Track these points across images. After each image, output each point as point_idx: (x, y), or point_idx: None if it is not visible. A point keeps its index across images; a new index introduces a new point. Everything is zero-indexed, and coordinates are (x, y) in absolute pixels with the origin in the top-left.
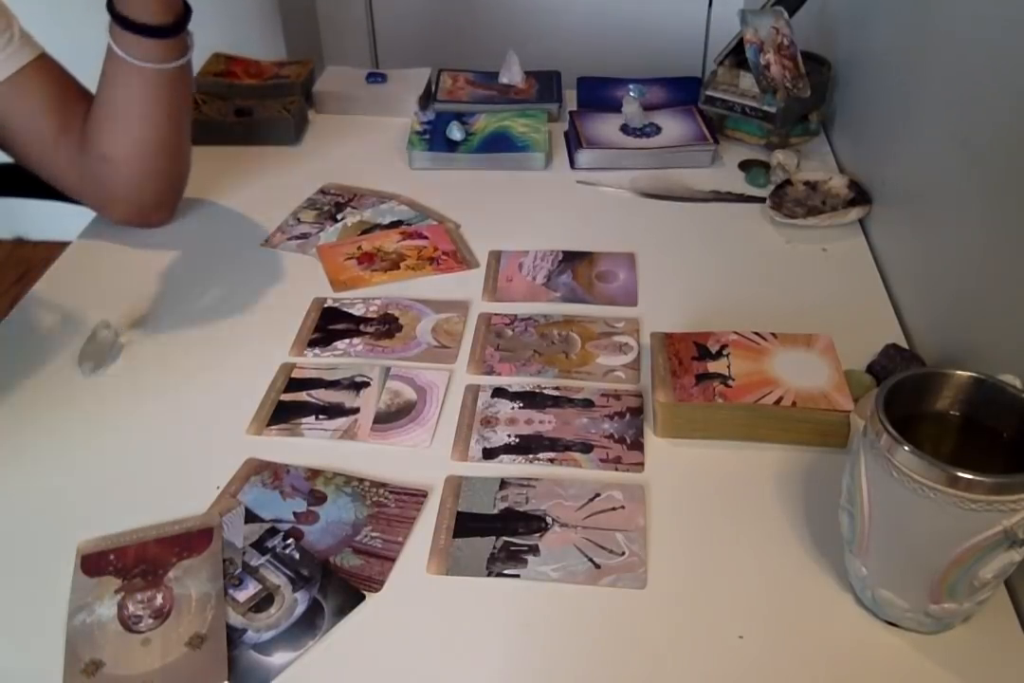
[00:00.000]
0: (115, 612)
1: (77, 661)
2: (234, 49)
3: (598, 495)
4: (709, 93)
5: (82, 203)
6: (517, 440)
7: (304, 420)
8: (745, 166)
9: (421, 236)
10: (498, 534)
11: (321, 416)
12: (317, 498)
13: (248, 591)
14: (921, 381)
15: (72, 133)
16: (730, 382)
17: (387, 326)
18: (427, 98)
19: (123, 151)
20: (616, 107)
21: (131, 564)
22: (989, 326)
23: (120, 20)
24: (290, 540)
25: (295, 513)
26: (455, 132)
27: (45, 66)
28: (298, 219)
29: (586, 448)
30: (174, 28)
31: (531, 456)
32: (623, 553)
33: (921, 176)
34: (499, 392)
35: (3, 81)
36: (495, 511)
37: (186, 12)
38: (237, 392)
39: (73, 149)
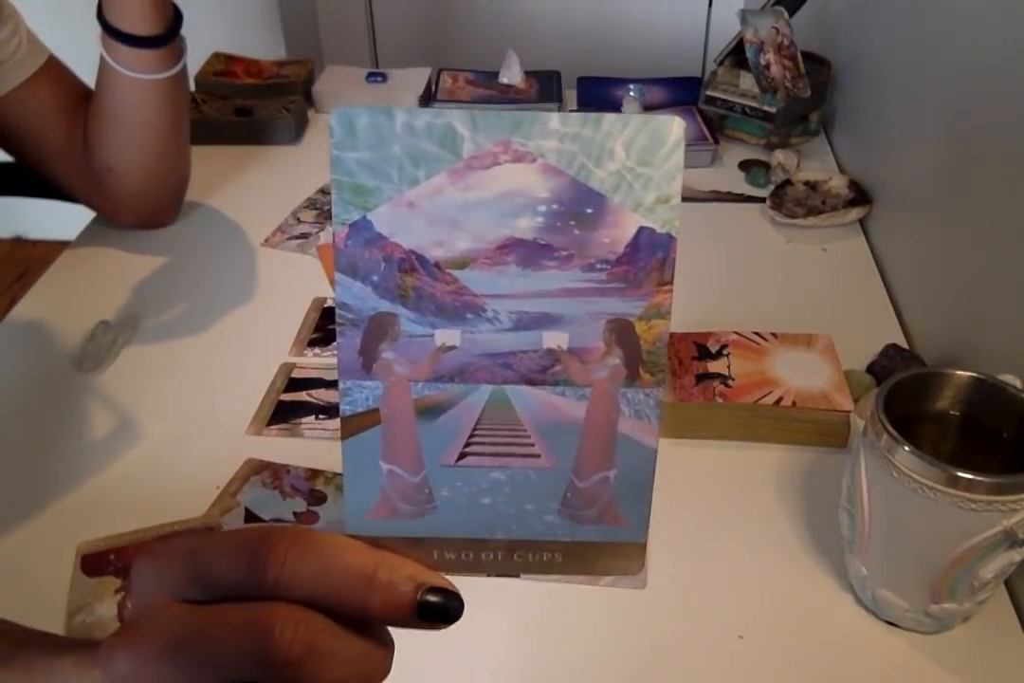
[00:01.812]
0: (115, 612)
1: None
2: (234, 49)
3: None
4: (709, 93)
5: (90, 207)
6: None
7: (304, 420)
8: (745, 166)
9: None
10: None
11: (321, 416)
12: (317, 498)
13: None
14: (921, 381)
15: (78, 139)
16: (730, 382)
17: None
18: (427, 98)
19: (125, 161)
20: (616, 107)
21: (131, 564)
22: (989, 326)
23: (112, 31)
24: None
25: (295, 513)
26: None
27: (53, 71)
28: (298, 219)
29: None
30: (166, 37)
31: None
32: None
33: (921, 176)
34: None
35: (14, 89)
36: None
37: (176, 19)
38: (237, 392)
39: (79, 157)
